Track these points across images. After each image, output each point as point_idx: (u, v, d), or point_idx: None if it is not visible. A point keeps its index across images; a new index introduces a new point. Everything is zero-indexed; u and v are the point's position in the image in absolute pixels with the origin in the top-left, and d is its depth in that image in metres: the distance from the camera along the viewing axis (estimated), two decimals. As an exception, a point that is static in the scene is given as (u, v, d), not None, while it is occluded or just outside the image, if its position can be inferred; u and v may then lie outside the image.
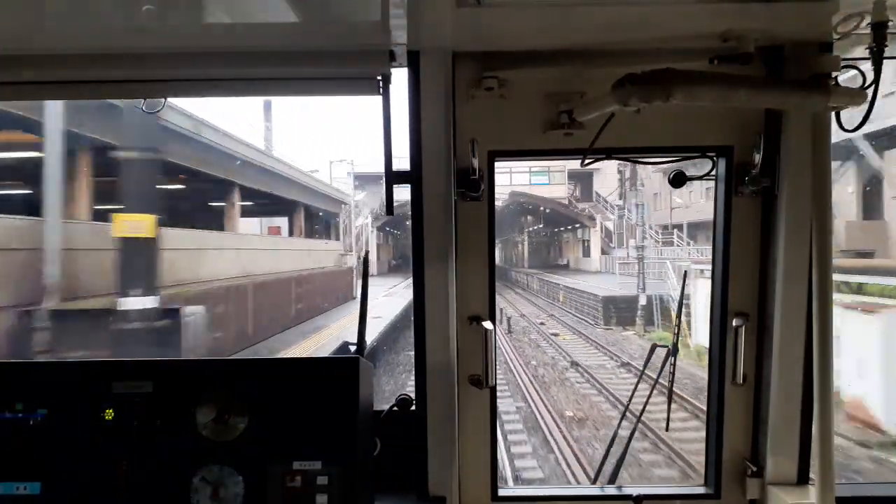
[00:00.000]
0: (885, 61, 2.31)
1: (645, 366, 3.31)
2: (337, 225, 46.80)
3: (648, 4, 2.25)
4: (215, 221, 27.17)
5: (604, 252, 53.34)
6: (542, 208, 59.29)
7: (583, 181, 61.05)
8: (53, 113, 13.60)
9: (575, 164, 2.75)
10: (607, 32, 2.40)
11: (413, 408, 2.73)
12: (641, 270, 31.13)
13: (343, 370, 2.30)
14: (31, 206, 14.59)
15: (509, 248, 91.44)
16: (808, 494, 2.71)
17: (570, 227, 64.72)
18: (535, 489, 3.08)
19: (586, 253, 60.09)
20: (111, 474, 2.21)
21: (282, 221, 40.06)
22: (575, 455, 13.36)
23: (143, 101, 2.62)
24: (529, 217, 71.73)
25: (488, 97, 2.65)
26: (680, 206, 46.85)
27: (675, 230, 43.82)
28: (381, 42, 2.41)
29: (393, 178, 2.64)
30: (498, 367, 2.95)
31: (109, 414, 2.26)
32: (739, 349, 2.80)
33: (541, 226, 67.97)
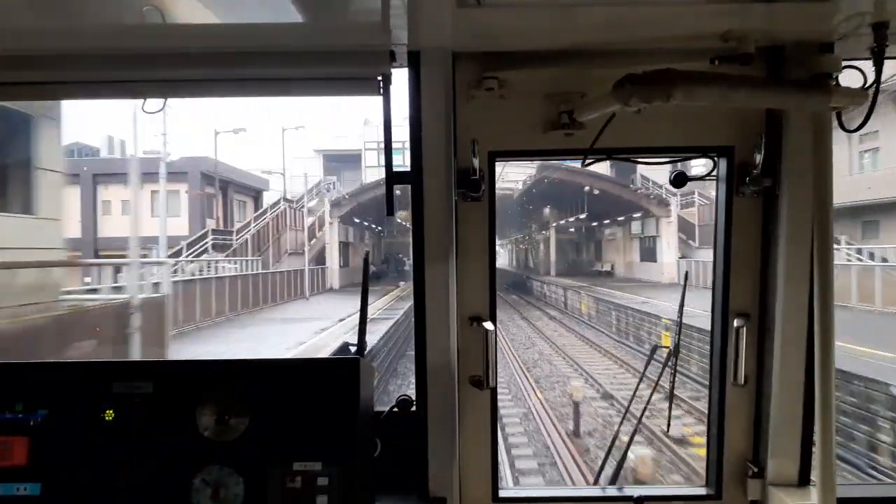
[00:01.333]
0: (885, 61, 2.22)
1: (646, 367, 3.19)
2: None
3: (648, 4, 2.17)
4: None
5: (683, 255, 36.79)
6: (587, 189, 40.90)
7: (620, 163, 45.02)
8: None
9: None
10: (607, 32, 2.32)
11: (413, 408, 2.65)
12: None
13: (343, 371, 2.24)
14: None
15: (526, 247, 73.74)
16: (809, 495, 2.62)
17: (617, 220, 46.98)
18: (536, 490, 2.97)
19: (647, 255, 42.47)
20: (111, 475, 2.15)
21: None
22: None
23: (143, 101, 2.52)
24: (554, 209, 53.72)
25: (488, 97, 2.56)
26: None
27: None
28: (382, 42, 2.34)
29: (393, 178, 2.56)
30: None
31: (110, 414, 2.19)
32: (741, 350, 2.70)
33: (581, 216, 47.37)
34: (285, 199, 44.20)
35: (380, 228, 60.08)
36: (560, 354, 25.10)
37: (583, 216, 47.31)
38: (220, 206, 43.40)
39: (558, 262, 53.79)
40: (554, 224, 54.25)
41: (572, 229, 57.31)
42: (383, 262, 58.07)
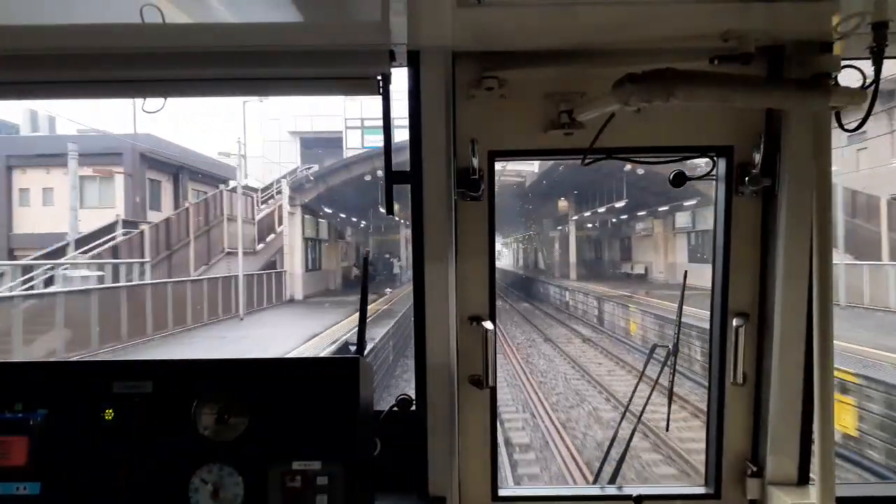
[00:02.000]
0: (885, 61, 2.53)
1: (645, 366, 3.58)
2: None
3: (648, 4, 2.48)
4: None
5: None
6: (627, 168, 34.92)
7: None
8: None
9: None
10: (607, 32, 2.64)
11: (413, 408, 2.99)
12: None
13: (343, 370, 2.54)
14: None
15: (536, 246, 71.10)
16: (808, 494, 2.98)
17: (656, 210, 43.49)
18: (536, 489, 3.37)
19: (700, 255, 37.45)
20: (111, 474, 2.44)
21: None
22: None
23: (143, 100, 2.86)
24: (574, 199, 50.92)
25: (488, 97, 2.90)
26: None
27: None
28: (381, 42, 2.64)
29: (393, 177, 2.90)
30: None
31: (109, 414, 2.48)
32: (740, 349, 3.05)
33: (618, 204, 42.98)
34: (246, 188, 39.50)
35: (364, 223, 55.84)
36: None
37: (620, 204, 42.98)
38: (171, 196, 39.08)
39: (577, 264, 50.75)
40: (575, 217, 51.82)
41: (590, 224, 53.74)
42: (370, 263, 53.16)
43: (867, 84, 2.59)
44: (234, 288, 32.12)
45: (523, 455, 15.73)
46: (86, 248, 28.62)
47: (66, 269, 25.78)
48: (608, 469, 3.43)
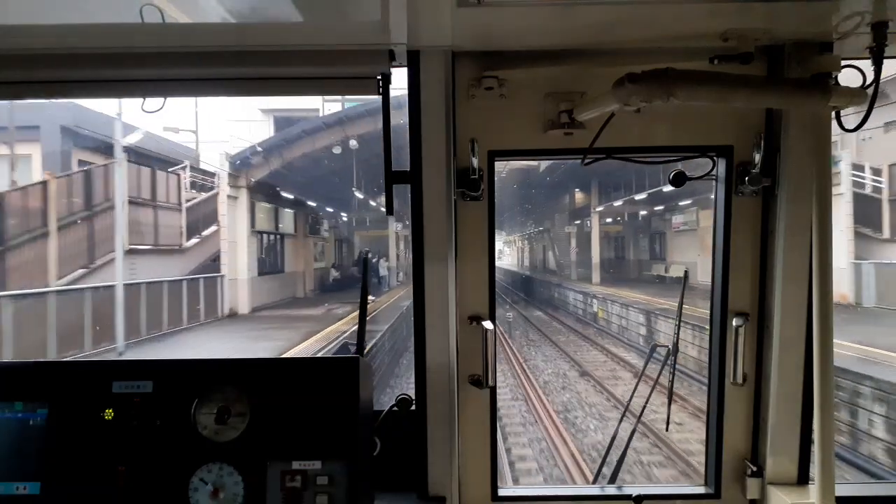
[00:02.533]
0: (885, 61, 2.62)
1: (645, 365, 3.68)
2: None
3: (648, 4, 2.55)
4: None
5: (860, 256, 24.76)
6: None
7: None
8: None
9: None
10: (607, 32, 2.73)
11: (413, 408, 3.08)
12: None
13: (343, 370, 2.63)
14: None
15: (545, 244, 66.93)
16: (808, 494, 3.08)
17: (708, 198, 27.40)
18: (535, 489, 3.47)
19: None
20: (111, 474, 2.52)
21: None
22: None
23: (142, 100, 2.94)
24: (599, 184, 44.24)
25: (488, 97, 3.01)
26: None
27: None
28: (381, 41, 2.73)
29: (393, 177, 2.99)
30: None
31: (109, 414, 2.57)
32: (739, 349, 3.16)
33: (668, 188, 34.45)
34: (193, 169, 32.11)
35: (344, 215, 48.43)
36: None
37: (668, 189, 35.65)
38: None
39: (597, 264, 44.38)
40: (600, 208, 45.37)
41: (609, 219, 48.62)
42: (353, 265, 46.31)
43: (867, 84, 2.66)
44: (111, 304, 21.70)
45: None
46: None
47: None
48: (608, 469, 3.53)
